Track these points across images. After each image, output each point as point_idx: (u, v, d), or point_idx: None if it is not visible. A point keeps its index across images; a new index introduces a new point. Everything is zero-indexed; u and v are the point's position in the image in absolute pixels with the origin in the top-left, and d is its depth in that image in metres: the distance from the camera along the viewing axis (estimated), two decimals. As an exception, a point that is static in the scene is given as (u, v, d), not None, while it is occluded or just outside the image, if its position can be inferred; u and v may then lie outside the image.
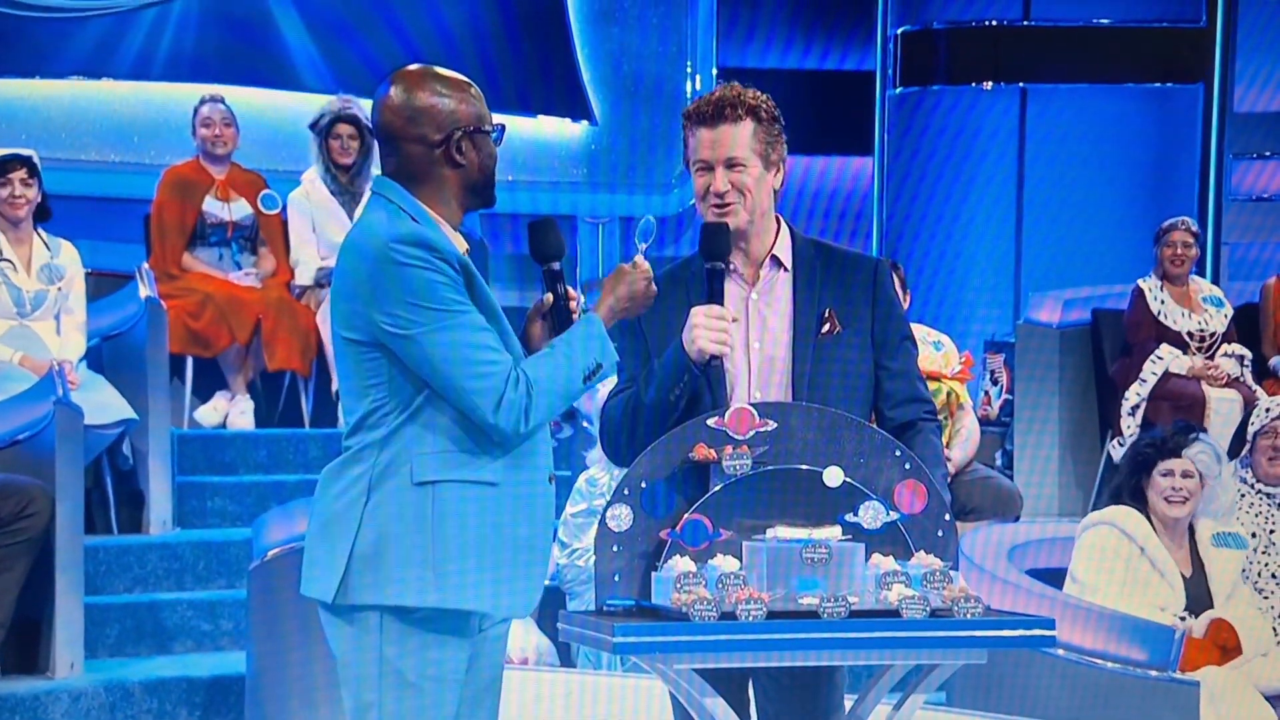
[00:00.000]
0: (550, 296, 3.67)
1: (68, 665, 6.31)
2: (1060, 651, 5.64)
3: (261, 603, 5.93)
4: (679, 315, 3.87)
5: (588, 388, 3.57)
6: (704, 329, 3.79)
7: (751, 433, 3.72)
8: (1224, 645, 5.89)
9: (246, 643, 6.20)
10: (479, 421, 3.45)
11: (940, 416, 7.25)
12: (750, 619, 3.49)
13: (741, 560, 3.64)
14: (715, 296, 3.84)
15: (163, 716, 6.46)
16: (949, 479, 6.98)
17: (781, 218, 4.03)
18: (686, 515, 3.68)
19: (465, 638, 3.53)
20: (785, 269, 3.98)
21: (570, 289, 3.69)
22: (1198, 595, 6.03)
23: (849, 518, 3.70)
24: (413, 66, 3.62)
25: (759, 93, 3.92)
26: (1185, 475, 6.08)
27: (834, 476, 3.71)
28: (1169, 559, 6.01)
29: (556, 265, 3.69)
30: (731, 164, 3.87)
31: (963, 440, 7.27)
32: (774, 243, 3.98)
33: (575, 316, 3.66)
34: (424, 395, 3.48)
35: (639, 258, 3.73)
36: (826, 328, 3.93)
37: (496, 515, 3.50)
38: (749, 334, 3.95)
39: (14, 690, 6.15)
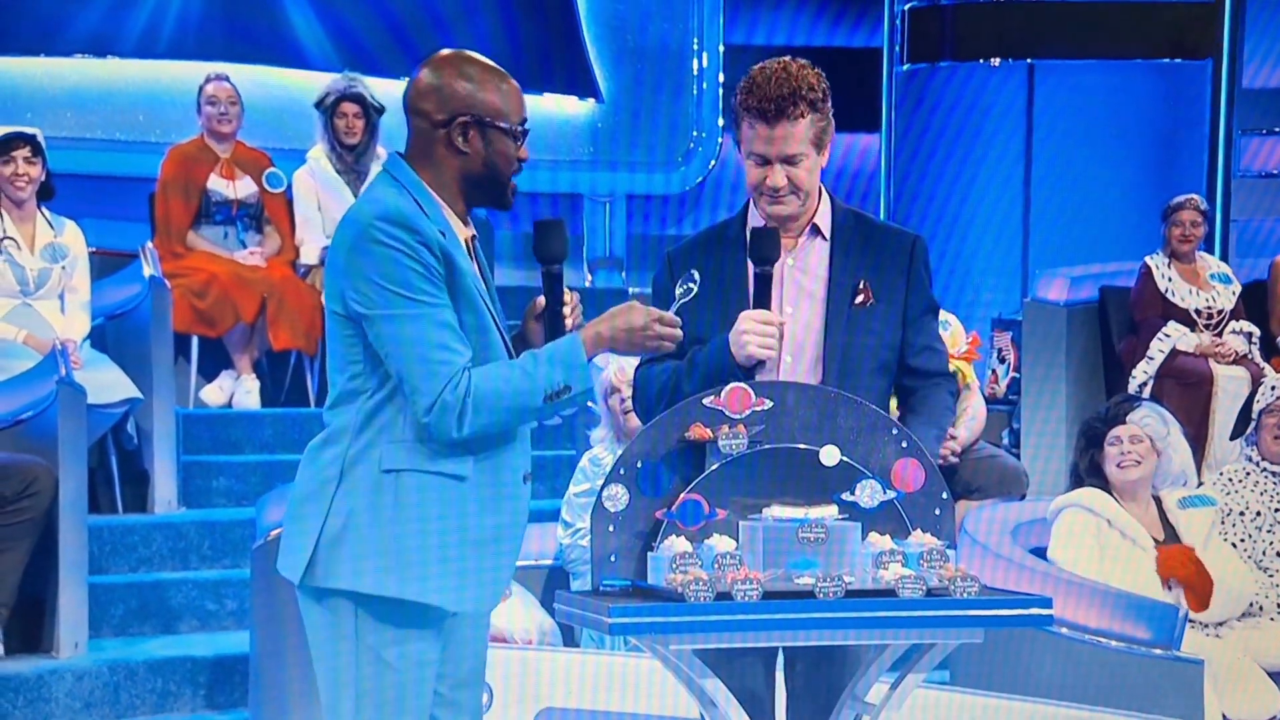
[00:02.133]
0: (542, 300, 3.59)
1: (72, 645, 6.32)
2: (1063, 630, 5.64)
3: (264, 582, 5.91)
4: (718, 285, 3.92)
5: (552, 407, 3.44)
6: (754, 334, 3.80)
7: (747, 411, 3.71)
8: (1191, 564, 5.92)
9: (250, 622, 6.20)
10: (415, 416, 3.41)
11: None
12: (746, 599, 3.48)
13: (738, 540, 3.64)
14: (764, 301, 3.84)
15: (167, 696, 6.47)
16: (956, 455, 7.03)
17: (824, 187, 4.03)
18: (683, 495, 3.67)
19: (429, 628, 3.49)
20: (824, 238, 4.00)
21: (568, 291, 3.61)
22: None
23: (846, 496, 3.70)
24: (450, 50, 3.57)
25: (815, 76, 3.88)
26: (1134, 440, 6.13)
27: (831, 455, 3.70)
28: (1137, 525, 6.06)
29: (557, 268, 3.59)
30: (789, 160, 3.87)
31: (968, 420, 7.25)
32: (815, 211, 3.98)
33: (568, 322, 3.57)
34: (396, 379, 3.46)
35: (670, 314, 3.57)
36: (860, 299, 3.94)
37: (461, 509, 3.47)
38: (783, 300, 3.96)
39: (18, 670, 6.16)
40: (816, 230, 3.98)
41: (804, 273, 3.96)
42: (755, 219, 3.99)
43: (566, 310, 3.58)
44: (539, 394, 3.42)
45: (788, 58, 3.93)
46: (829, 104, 3.90)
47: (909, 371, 4.00)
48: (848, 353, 3.90)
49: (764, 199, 3.92)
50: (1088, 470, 6.20)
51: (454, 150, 3.49)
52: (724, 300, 3.93)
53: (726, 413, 3.70)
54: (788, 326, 3.92)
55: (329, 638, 3.49)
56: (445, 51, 3.55)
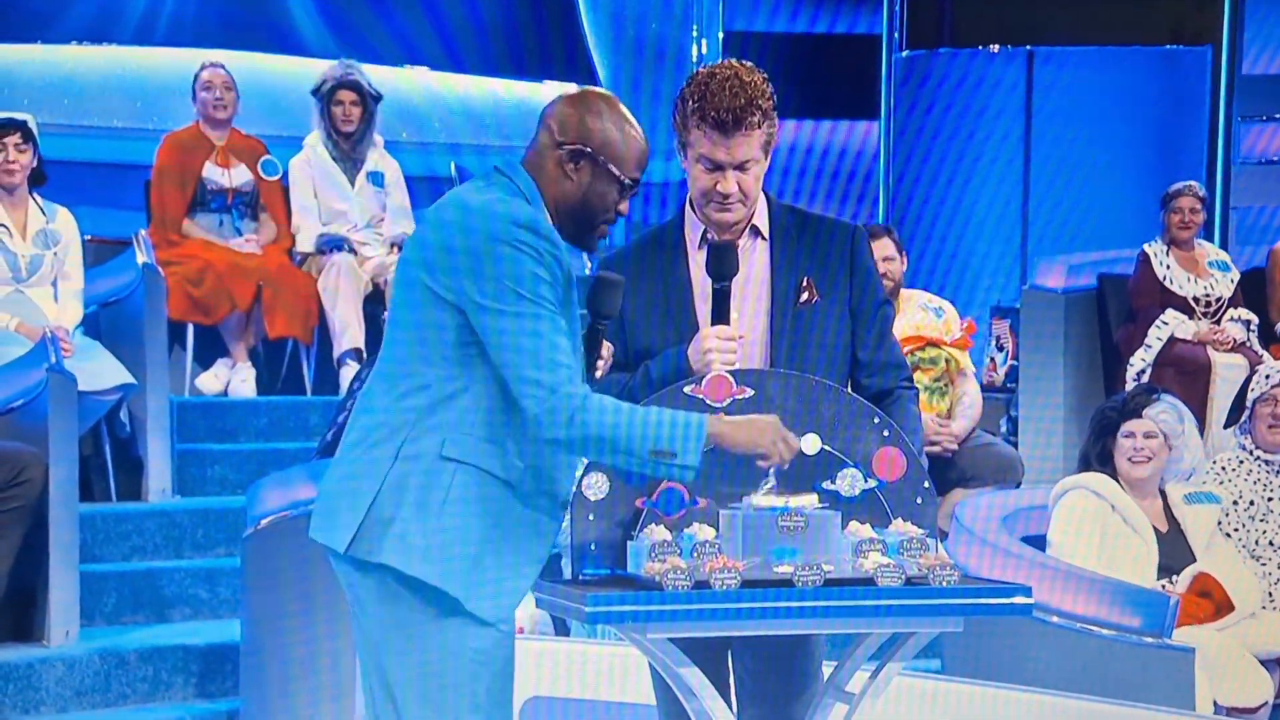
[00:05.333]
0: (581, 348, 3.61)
1: (63, 633, 6.30)
2: (1054, 619, 5.62)
3: (255, 570, 5.91)
4: (662, 295, 3.88)
5: (652, 464, 3.45)
6: (719, 352, 3.77)
7: (729, 400, 3.70)
8: (1210, 595, 5.88)
9: (241, 611, 6.19)
10: (524, 411, 3.42)
11: (941, 384, 7.23)
12: (724, 588, 3.46)
13: (718, 529, 3.62)
14: (722, 316, 3.82)
15: (158, 685, 6.45)
16: (954, 449, 7.01)
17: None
18: (663, 484, 3.65)
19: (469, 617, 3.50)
20: (763, 237, 3.95)
21: (606, 345, 3.66)
22: (1176, 550, 6.08)
23: (826, 485, 3.68)
24: (605, 90, 3.70)
25: (765, 83, 3.85)
26: (1148, 435, 6.12)
27: (812, 444, 3.68)
28: (1141, 516, 6.06)
29: (604, 325, 3.64)
30: (741, 166, 3.84)
31: (965, 407, 7.24)
32: (753, 212, 3.94)
33: (598, 373, 3.61)
34: (480, 375, 3.46)
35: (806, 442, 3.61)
36: (805, 297, 3.90)
37: (506, 517, 3.48)
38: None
39: (8, 659, 6.13)
40: (756, 231, 3.94)
41: (746, 275, 3.90)
42: (694, 225, 3.94)
43: (600, 364, 3.61)
44: (648, 443, 3.44)
45: (733, 61, 3.89)
46: (774, 112, 3.88)
47: (863, 366, 3.94)
48: (792, 351, 3.86)
49: (712, 206, 3.86)
50: (1098, 457, 6.19)
51: (562, 173, 3.56)
52: (673, 312, 3.90)
53: (708, 401, 3.69)
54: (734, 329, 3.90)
55: (385, 611, 3.50)
56: (599, 89, 3.69)
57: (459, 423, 3.46)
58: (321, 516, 3.57)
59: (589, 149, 3.55)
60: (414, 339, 3.51)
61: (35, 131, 7.39)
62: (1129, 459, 6.13)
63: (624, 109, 3.61)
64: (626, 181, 3.58)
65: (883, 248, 6.98)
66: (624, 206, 3.61)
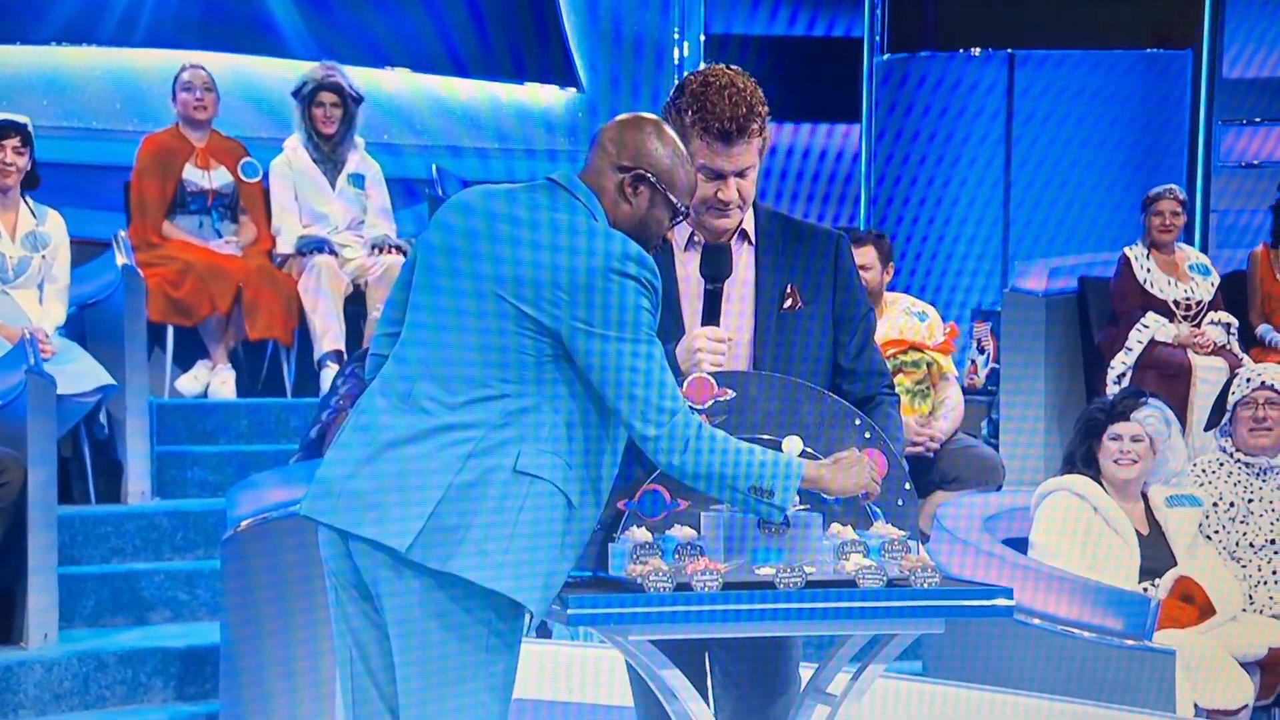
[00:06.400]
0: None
1: (41, 636, 6.30)
2: (1035, 621, 5.63)
3: (235, 573, 5.88)
4: (666, 286, 3.84)
5: (751, 500, 3.50)
6: (708, 353, 3.78)
7: (710, 402, 3.69)
8: (1193, 600, 5.90)
9: (221, 613, 6.17)
10: (636, 434, 3.47)
11: (923, 387, 7.22)
12: (705, 590, 3.45)
13: (699, 531, 3.61)
14: (713, 317, 3.83)
15: (137, 688, 6.44)
16: (936, 448, 7.01)
17: None
18: (644, 485, 3.65)
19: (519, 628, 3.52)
20: (750, 242, 3.96)
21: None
22: (1158, 553, 6.11)
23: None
24: (656, 116, 3.71)
25: (758, 89, 3.85)
26: (1134, 439, 6.16)
27: (793, 446, 3.67)
28: (1124, 518, 6.09)
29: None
30: (741, 173, 3.85)
31: (947, 411, 7.23)
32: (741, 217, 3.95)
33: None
34: (555, 393, 3.48)
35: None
36: (789, 303, 3.90)
37: (569, 527, 3.49)
38: None
39: (-13, 661, 6.14)
40: (743, 235, 3.95)
41: (731, 280, 3.90)
42: (682, 227, 3.94)
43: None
44: (750, 479, 3.50)
45: (724, 67, 3.88)
46: (769, 113, 3.90)
47: (845, 373, 3.94)
48: (776, 357, 3.87)
49: (711, 213, 3.87)
50: (1083, 459, 6.21)
51: (622, 196, 3.59)
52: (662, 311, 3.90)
53: (689, 403, 3.67)
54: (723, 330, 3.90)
55: (426, 606, 3.47)
56: (651, 115, 3.70)
57: (533, 437, 3.46)
58: (362, 510, 3.49)
59: (651, 175, 3.59)
60: (485, 348, 3.50)
61: (33, 134, 7.38)
62: (1114, 461, 6.15)
63: (675, 136, 3.65)
64: (681, 208, 3.63)
65: (863, 255, 6.94)
66: (672, 235, 3.69)
